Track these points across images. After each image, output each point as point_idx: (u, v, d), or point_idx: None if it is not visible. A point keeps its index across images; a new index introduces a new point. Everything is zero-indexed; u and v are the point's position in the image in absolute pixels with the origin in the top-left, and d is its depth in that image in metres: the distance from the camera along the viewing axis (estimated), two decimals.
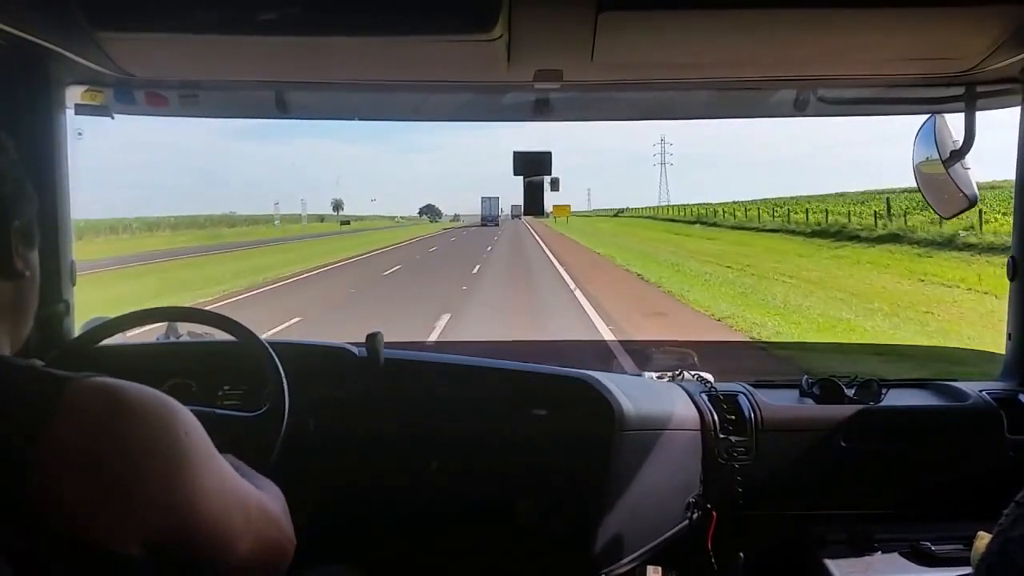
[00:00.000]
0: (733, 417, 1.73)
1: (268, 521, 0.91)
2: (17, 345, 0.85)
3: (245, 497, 0.87)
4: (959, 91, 1.68)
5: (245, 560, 0.85)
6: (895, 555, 1.65)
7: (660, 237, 36.03)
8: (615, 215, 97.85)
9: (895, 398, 1.80)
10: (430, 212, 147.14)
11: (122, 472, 0.72)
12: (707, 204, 67.10)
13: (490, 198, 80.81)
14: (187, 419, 0.79)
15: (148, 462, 0.74)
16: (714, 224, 44.26)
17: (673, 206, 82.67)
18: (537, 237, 41.09)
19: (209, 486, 0.79)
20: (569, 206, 60.34)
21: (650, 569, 1.79)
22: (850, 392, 1.80)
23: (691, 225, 47.01)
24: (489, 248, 31.23)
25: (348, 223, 72.70)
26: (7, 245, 0.81)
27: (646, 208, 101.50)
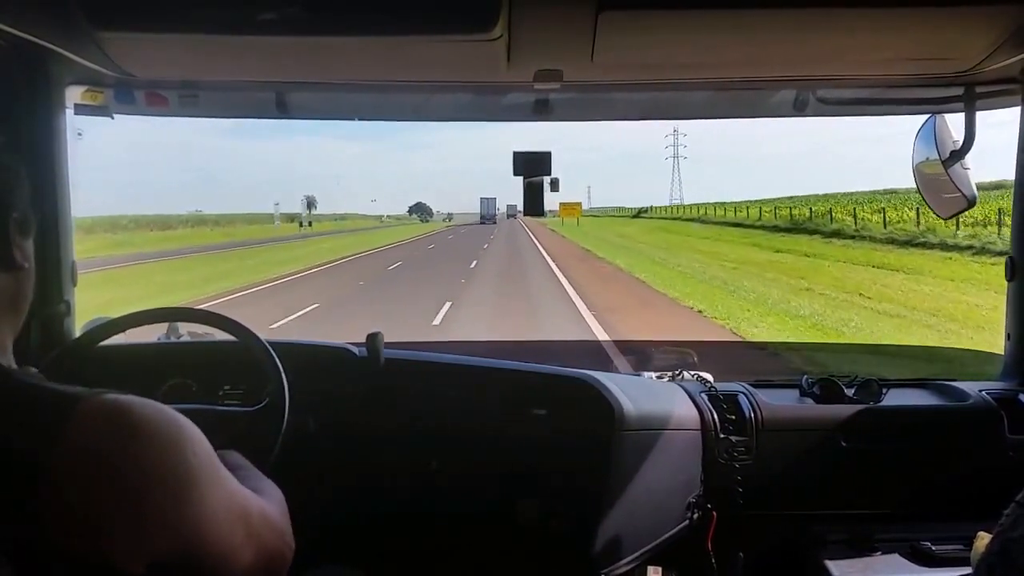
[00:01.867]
0: (733, 417, 1.73)
1: (270, 528, 0.91)
2: (14, 336, 0.86)
3: (248, 507, 0.87)
4: (959, 91, 1.68)
5: (246, 570, 0.85)
6: (895, 555, 1.65)
7: (766, 259, 20.96)
8: (636, 215, 79.27)
9: (895, 398, 1.80)
10: (420, 211, 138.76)
11: (131, 493, 0.72)
12: (783, 199, 51.22)
13: (488, 199, 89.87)
14: (194, 437, 0.79)
15: (157, 482, 0.74)
16: (836, 234, 26.67)
17: (725, 204, 60.81)
18: (546, 255, 25.30)
19: (215, 503, 0.79)
20: (579, 204, 51.39)
21: (650, 569, 1.79)
22: (850, 392, 1.80)
23: (787, 234, 29.16)
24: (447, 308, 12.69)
25: (311, 224, 61.25)
26: (6, 237, 0.81)
27: (684, 207, 78.22)
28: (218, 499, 0.80)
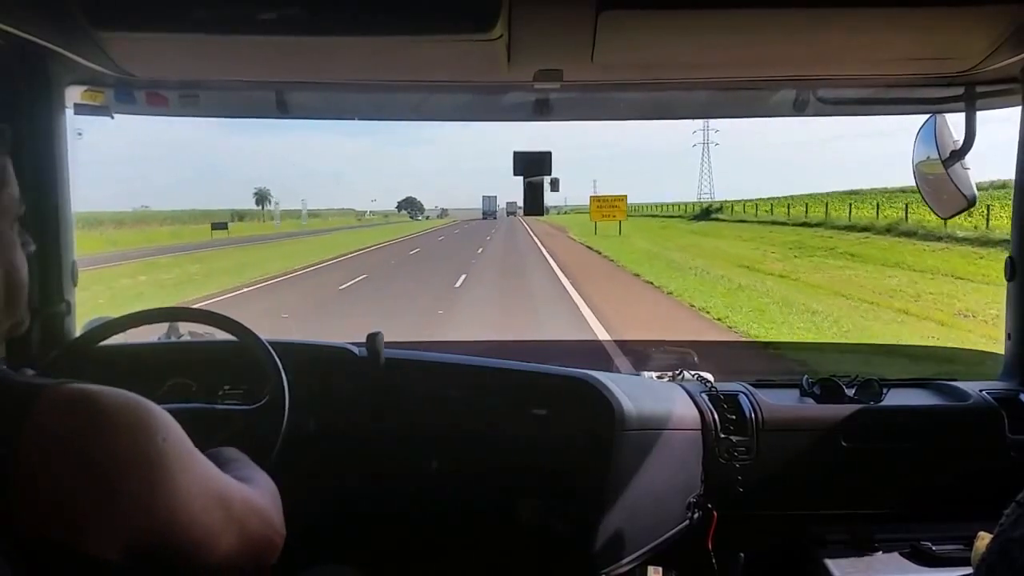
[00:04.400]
0: (734, 417, 1.73)
1: (253, 514, 0.90)
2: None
3: (227, 493, 0.87)
4: (959, 91, 1.68)
5: (228, 556, 0.85)
6: (895, 555, 1.65)
7: None
8: (701, 215, 48.21)
9: (895, 398, 1.80)
10: (410, 207, 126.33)
11: (99, 479, 0.72)
12: None
13: (489, 197, 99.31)
14: (165, 422, 0.78)
15: (126, 468, 0.74)
16: None
17: (813, 197, 40.60)
18: None
19: (188, 487, 0.79)
20: (625, 197, 31.86)
21: (650, 569, 1.80)
22: (850, 392, 1.80)
23: None
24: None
25: (225, 228, 42.20)
26: None
27: (776, 201, 44.99)
28: (192, 483, 0.80)
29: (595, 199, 32.08)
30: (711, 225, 39.67)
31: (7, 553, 0.68)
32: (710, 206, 53.02)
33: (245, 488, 0.92)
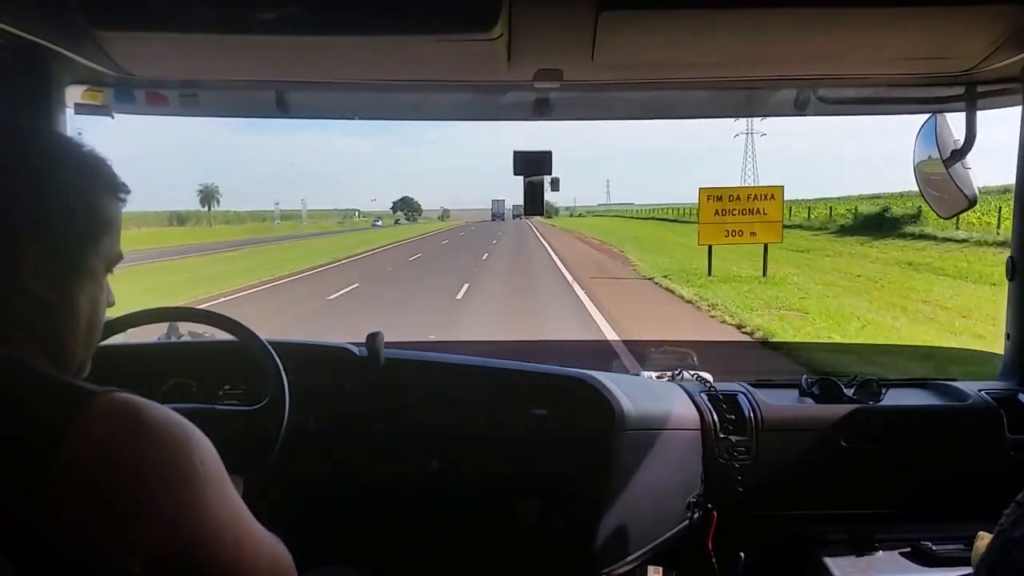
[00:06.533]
0: (733, 417, 1.73)
1: (265, 556, 0.89)
2: (56, 364, 0.82)
3: (251, 527, 0.86)
4: (959, 91, 1.68)
5: None
6: (895, 555, 1.65)
7: None
8: (864, 229, 25.89)
9: (895, 398, 1.80)
10: (406, 208, 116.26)
11: (135, 489, 0.73)
12: None
13: (498, 200, 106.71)
14: (205, 448, 0.79)
15: (161, 482, 0.74)
16: None
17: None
18: None
19: (217, 513, 0.80)
20: (780, 192, 15.44)
21: (650, 569, 1.80)
22: (850, 392, 1.80)
23: None
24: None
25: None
26: (15, 265, 0.78)
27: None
28: (221, 510, 0.80)
29: (708, 194, 15.73)
30: (931, 250, 20.68)
31: (15, 551, 0.68)
32: (885, 208, 28.68)
33: (279, 552, 0.91)
